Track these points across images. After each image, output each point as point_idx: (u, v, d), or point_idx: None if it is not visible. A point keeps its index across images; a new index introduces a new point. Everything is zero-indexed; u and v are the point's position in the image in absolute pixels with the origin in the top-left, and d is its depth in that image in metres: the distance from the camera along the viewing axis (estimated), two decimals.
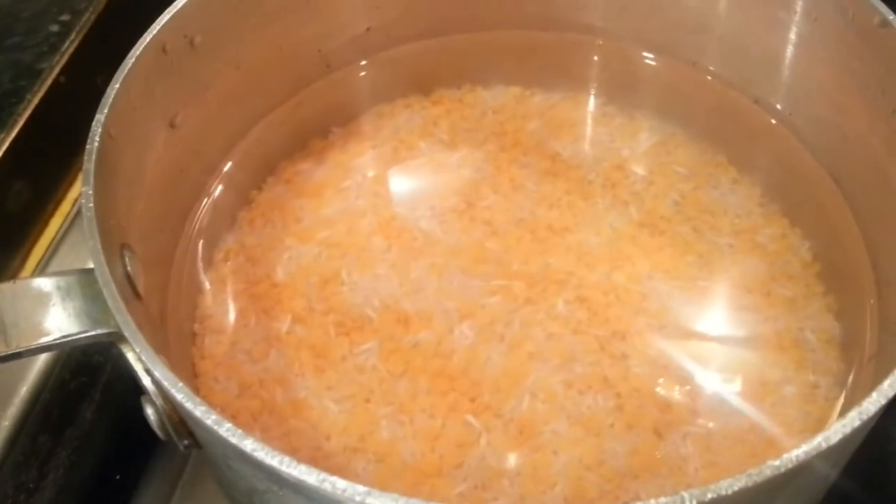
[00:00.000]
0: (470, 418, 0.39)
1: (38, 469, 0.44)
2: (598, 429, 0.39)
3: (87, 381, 0.47)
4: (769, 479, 0.24)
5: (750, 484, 0.23)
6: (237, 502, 0.33)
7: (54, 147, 0.58)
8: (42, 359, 0.48)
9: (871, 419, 0.25)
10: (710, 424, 0.39)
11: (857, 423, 0.25)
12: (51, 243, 0.57)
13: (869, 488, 0.46)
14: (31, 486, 0.43)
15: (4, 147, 0.53)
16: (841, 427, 0.24)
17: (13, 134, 0.54)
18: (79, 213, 0.57)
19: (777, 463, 0.24)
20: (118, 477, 0.47)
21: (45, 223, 0.57)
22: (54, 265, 0.53)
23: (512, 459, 0.38)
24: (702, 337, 0.42)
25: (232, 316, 0.42)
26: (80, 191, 0.58)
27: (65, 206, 0.58)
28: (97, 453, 0.46)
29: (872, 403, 0.25)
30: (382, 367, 0.40)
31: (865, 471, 0.46)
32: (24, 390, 0.47)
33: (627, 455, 0.38)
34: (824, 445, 0.24)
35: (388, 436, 0.38)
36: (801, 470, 0.25)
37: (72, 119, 0.58)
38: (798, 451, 0.24)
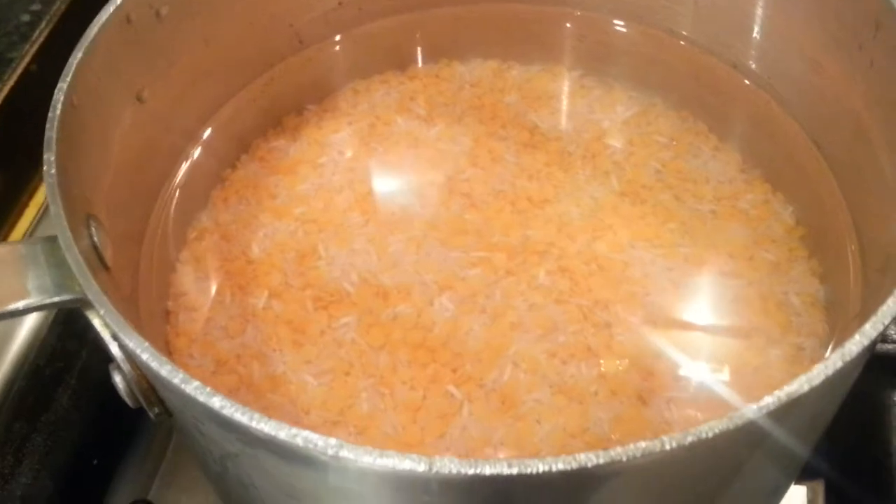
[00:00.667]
0: (451, 389, 0.38)
1: (14, 455, 0.43)
2: (581, 397, 0.38)
3: (62, 367, 0.46)
4: (750, 423, 0.23)
5: (731, 427, 0.23)
6: (212, 472, 0.32)
7: (27, 136, 0.57)
8: (16, 345, 0.47)
9: (854, 361, 0.25)
10: (695, 390, 0.38)
11: (839, 364, 0.24)
12: (25, 233, 0.56)
13: (858, 454, 0.46)
14: (7, 472, 0.43)
15: None
16: (823, 369, 0.24)
17: None
18: None
19: (758, 405, 0.23)
20: (96, 462, 0.46)
21: (20, 213, 0.56)
22: None
23: (495, 429, 0.37)
24: (685, 303, 0.41)
25: (207, 293, 0.42)
26: None
27: (39, 197, 0.58)
28: (74, 439, 0.45)
29: (855, 345, 0.24)
30: (362, 340, 0.40)
31: (856, 437, 0.46)
32: None
33: (611, 422, 0.37)
34: (807, 387, 0.24)
35: (369, 408, 0.38)
36: (783, 413, 0.24)
37: (44, 108, 0.58)
38: (780, 393, 0.23)
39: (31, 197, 0.57)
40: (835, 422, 0.46)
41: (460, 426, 0.37)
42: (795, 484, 0.46)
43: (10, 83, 0.56)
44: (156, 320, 0.39)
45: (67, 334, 0.47)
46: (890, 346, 0.46)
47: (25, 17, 0.60)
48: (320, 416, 0.38)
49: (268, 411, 0.38)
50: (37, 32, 0.59)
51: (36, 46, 0.58)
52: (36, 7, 0.60)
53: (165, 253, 0.42)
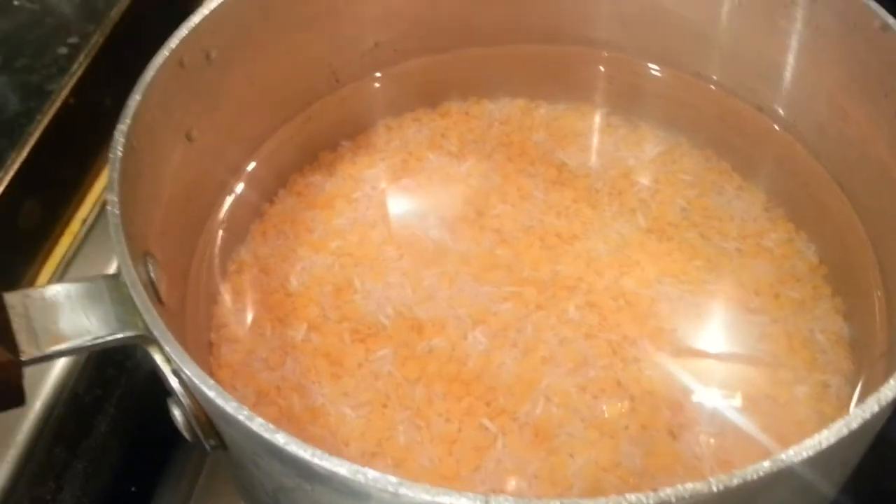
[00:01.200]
0: (486, 422, 0.39)
1: (55, 482, 0.44)
2: (612, 431, 0.39)
3: (101, 395, 0.47)
4: (792, 466, 0.24)
5: (774, 469, 0.24)
6: None
7: (64, 166, 0.59)
8: (55, 374, 0.48)
9: (888, 406, 0.26)
10: (724, 425, 0.39)
11: (875, 409, 0.25)
12: (61, 261, 0.57)
13: (880, 491, 0.46)
14: (48, 498, 0.44)
15: (16, 166, 0.54)
16: (861, 413, 0.25)
17: (24, 154, 0.54)
18: (89, 231, 0.58)
19: (800, 448, 0.24)
20: (133, 489, 0.47)
21: (56, 241, 0.58)
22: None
23: (529, 462, 0.38)
24: (712, 339, 0.42)
25: (247, 325, 0.43)
26: (89, 210, 0.59)
27: (74, 225, 0.59)
28: (112, 465, 0.46)
29: (891, 389, 0.26)
30: (398, 373, 0.41)
31: (879, 474, 0.46)
32: (38, 405, 0.48)
33: (643, 456, 0.38)
34: (846, 431, 0.25)
35: (406, 440, 0.39)
36: (823, 457, 0.25)
37: (81, 139, 0.60)
38: (821, 436, 0.24)
39: (66, 226, 0.59)
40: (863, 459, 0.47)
41: (495, 459, 0.38)
42: None
43: (49, 115, 0.57)
44: (201, 351, 0.41)
45: (106, 363, 0.48)
46: None
47: (63, 50, 0.61)
48: (359, 447, 0.39)
49: (308, 443, 0.39)
50: (75, 65, 0.60)
51: (74, 79, 0.59)
52: (74, 40, 0.62)
53: (209, 285, 0.43)
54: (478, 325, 0.43)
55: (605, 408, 0.40)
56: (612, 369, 0.41)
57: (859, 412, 0.25)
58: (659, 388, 0.40)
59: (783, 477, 0.25)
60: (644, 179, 0.49)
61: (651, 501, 0.23)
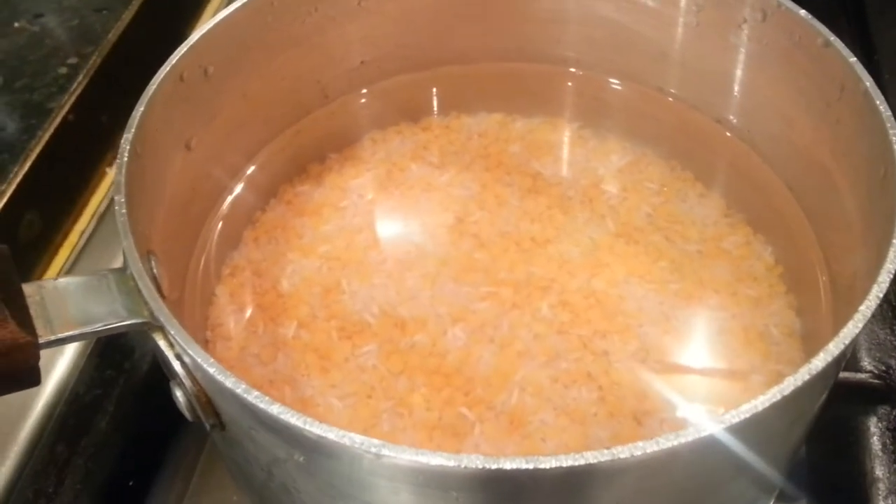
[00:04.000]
0: (464, 410, 0.42)
1: (57, 476, 0.46)
2: (582, 418, 0.42)
3: (101, 395, 0.50)
4: (712, 436, 0.27)
5: (693, 437, 0.27)
6: (257, 480, 0.36)
7: (64, 180, 0.61)
8: (57, 373, 0.51)
9: (818, 375, 0.29)
10: (685, 411, 0.42)
11: (806, 377, 0.28)
12: (60, 270, 0.60)
13: (839, 477, 0.49)
14: (50, 491, 0.46)
15: (18, 180, 0.56)
16: (793, 381, 0.28)
17: (25, 168, 0.57)
18: (87, 241, 0.61)
19: (721, 417, 0.27)
20: (131, 483, 0.49)
21: (55, 252, 0.60)
22: None
23: (504, 446, 0.41)
24: (675, 333, 0.45)
25: (241, 324, 0.46)
26: (87, 222, 0.62)
27: (73, 237, 0.62)
28: (111, 461, 0.48)
29: (820, 360, 0.29)
30: (382, 366, 0.44)
31: (837, 462, 0.49)
32: (40, 405, 0.50)
33: (610, 440, 0.41)
34: (779, 397, 0.28)
35: (390, 428, 0.41)
36: (749, 425, 0.28)
37: (80, 154, 0.62)
38: (743, 408, 0.27)
39: (65, 237, 0.61)
40: (818, 448, 0.50)
41: (473, 444, 0.41)
42: None
43: (50, 132, 0.60)
44: None
45: (105, 364, 0.51)
46: (864, 376, 0.49)
47: (63, 70, 0.64)
48: None
49: None
50: (74, 84, 0.63)
51: (73, 98, 0.62)
52: (73, 60, 0.65)
53: (205, 287, 0.46)
54: (457, 322, 0.45)
55: (575, 397, 0.43)
56: (583, 362, 0.44)
57: (791, 380, 0.28)
58: (626, 379, 0.43)
59: (707, 446, 0.28)
60: (613, 188, 0.52)
61: (604, 458, 0.26)
